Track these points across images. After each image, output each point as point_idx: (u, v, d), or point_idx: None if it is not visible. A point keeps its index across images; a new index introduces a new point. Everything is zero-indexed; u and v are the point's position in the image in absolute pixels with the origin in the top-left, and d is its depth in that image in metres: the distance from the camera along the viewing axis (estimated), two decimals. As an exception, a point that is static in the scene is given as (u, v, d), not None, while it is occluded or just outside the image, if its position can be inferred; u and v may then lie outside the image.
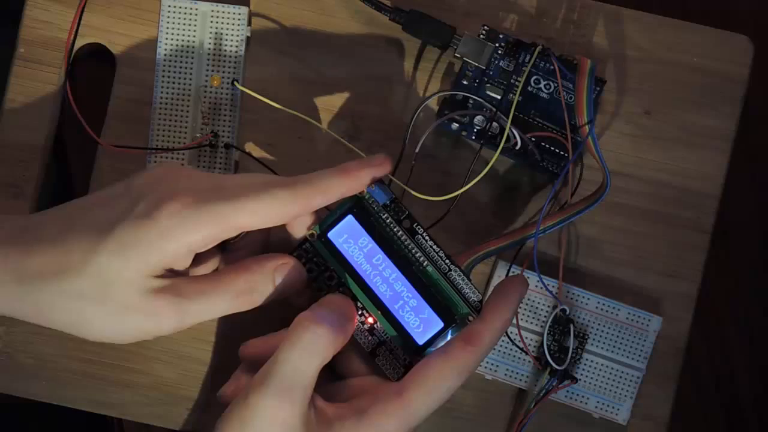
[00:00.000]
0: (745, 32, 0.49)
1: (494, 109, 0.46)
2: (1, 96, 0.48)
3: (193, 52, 0.47)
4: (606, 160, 0.48)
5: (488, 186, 0.48)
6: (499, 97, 0.47)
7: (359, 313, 0.41)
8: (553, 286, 0.46)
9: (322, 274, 0.41)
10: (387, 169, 0.41)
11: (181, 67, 0.47)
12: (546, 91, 0.47)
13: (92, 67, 0.49)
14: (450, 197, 0.44)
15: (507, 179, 0.48)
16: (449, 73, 0.48)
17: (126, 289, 0.37)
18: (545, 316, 0.46)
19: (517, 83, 0.47)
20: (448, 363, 0.38)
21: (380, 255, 0.41)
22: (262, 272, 0.40)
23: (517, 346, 0.46)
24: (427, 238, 0.41)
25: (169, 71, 0.47)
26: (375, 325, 0.41)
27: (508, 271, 0.46)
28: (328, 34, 0.48)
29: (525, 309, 0.47)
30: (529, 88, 0.47)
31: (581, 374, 0.46)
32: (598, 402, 0.46)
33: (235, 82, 0.47)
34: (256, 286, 0.40)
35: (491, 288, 0.46)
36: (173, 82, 0.47)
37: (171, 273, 0.39)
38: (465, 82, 0.47)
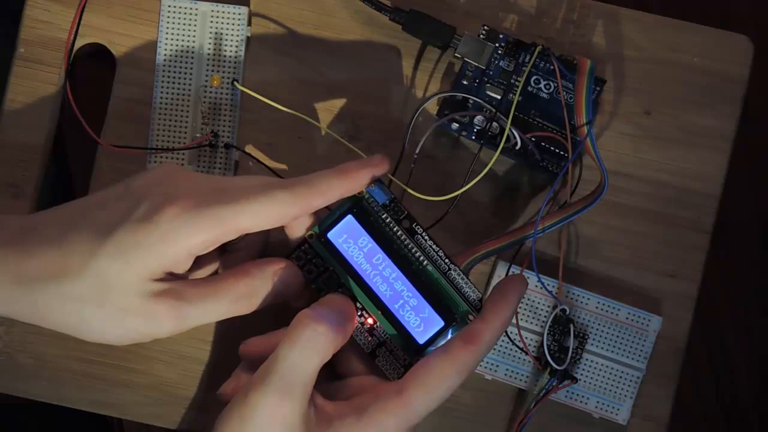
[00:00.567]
0: (745, 32, 0.49)
1: (494, 110, 0.46)
2: (1, 96, 0.48)
3: (193, 52, 0.47)
4: (606, 159, 0.48)
5: (488, 186, 0.48)
6: (499, 97, 0.47)
7: (359, 313, 0.41)
8: (552, 286, 0.46)
9: (321, 275, 0.41)
10: (385, 168, 0.41)
11: (181, 67, 0.47)
12: (546, 91, 0.47)
13: (92, 67, 0.49)
14: (450, 197, 0.44)
15: (507, 179, 0.48)
16: (449, 73, 0.48)
17: (125, 292, 0.37)
18: (545, 316, 0.46)
19: (517, 83, 0.47)
20: (449, 362, 0.38)
21: (380, 254, 0.41)
22: (262, 276, 0.40)
23: (517, 346, 0.46)
24: (426, 237, 0.41)
25: (169, 71, 0.47)
26: (375, 326, 0.41)
27: (508, 270, 0.46)
28: (328, 34, 0.48)
29: (525, 309, 0.47)
30: (529, 88, 0.47)
31: (581, 374, 0.46)
32: (598, 402, 0.46)
33: (235, 82, 0.47)
34: (255, 290, 0.40)
35: (491, 287, 0.46)
36: (173, 82, 0.47)
37: (171, 276, 0.39)
38: (465, 82, 0.47)
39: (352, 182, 0.40)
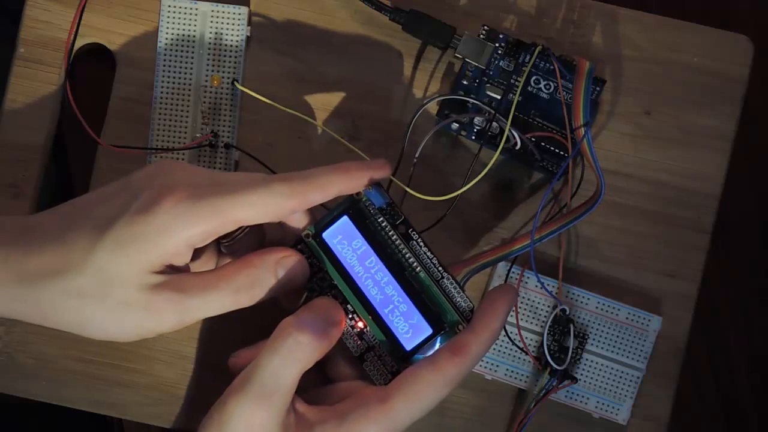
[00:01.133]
0: (745, 32, 0.49)
1: (493, 111, 0.46)
2: (1, 96, 0.48)
3: (193, 52, 0.47)
4: (606, 159, 0.48)
5: (488, 186, 0.48)
6: (499, 97, 0.47)
7: (350, 317, 0.41)
8: (553, 286, 0.46)
9: (314, 275, 0.41)
10: (386, 172, 0.41)
11: (181, 67, 0.47)
12: (546, 91, 0.47)
13: (92, 67, 0.49)
14: (450, 197, 0.44)
15: (507, 179, 0.48)
16: (449, 73, 0.48)
17: (125, 285, 0.37)
18: (545, 316, 0.46)
19: (517, 83, 0.47)
20: (435, 373, 0.38)
21: (373, 258, 0.41)
22: (264, 266, 0.39)
23: (517, 346, 0.46)
24: (421, 244, 0.41)
25: (169, 71, 0.47)
26: (365, 330, 0.41)
27: (509, 271, 0.46)
28: (328, 34, 0.48)
29: (525, 309, 0.47)
30: (529, 88, 0.47)
31: (581, 374, 0.46)
32: (598, 402, 0.46)
33: (235, 82, 0.47)
34: (257, 280, 0.39)
35: (491, 288, 0.46)
36: (173, 82, 0.47)
37: (171, 269, 0.39)
38: (465, 82, 0.47)
39: (352, 180, 0.40)
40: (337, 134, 0.47)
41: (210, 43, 0.47)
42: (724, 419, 0.57)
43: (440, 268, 0.41)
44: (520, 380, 0.46)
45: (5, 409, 0.65)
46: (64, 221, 0.39)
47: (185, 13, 0.47)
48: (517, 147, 0.46)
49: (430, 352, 0.40)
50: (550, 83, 0.47)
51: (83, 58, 0.49)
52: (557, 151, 0.47)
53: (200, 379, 0.47)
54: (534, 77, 0.47)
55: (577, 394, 0.46)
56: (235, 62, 0.47)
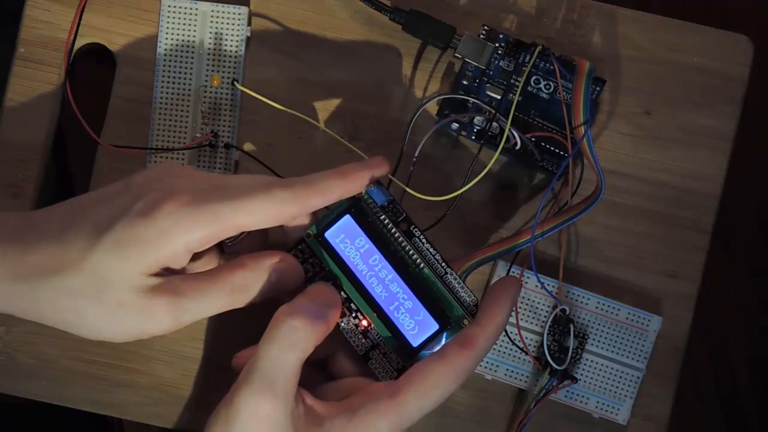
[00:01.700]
0: (745, 32, 0.49)
1: (493, 110, 0.46)
2: (1, 96, 0.48)
3: (193, 52, 0.47)
4: (605, 159, 0.48)
5: (488, 186, 0.48)
6: (499, 97, 0.47)
7: (353, 315, 0.41)
8: (553, 286, 0.46)
9: (317, 274, 0.41)
10: (385, 169, 0.41)
11: (181, 67, 0.47)
12: (546, 91, 0.47)
13: (92, 67, 0.49)
14: (450, 197, 0.44)
15: (507, 179, 0.48)
16: (449, 73, 0.48)
17: (122, 287, 0.37)
18: (545, 316, 0.46)
19: (517, 83, 0.47)
20: (445, 366, 0.38)
21: (377, 256, 0.41)
22: (258, 268, 0.40)
23: (517, 346, 0.46)
24: (424, 240, 0.41)
25: (169, 71, 0.47)
26: (369, 328, 0.41)
27: (508, 271, 0.46)
28: (328, 34, 0.48)
29: (525, 309, 0.47)
30: (529, 88, 0.47)
31: (581, 374, 0.46)
32: (598, 402, 0.46)
33: (235, 82, 0.47)
34: (251, 282, 0.39)
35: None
36: (173, 82, 0.47)
37: (168, 271, 0.39)
38: (465, 82, 0.47)
39: (352, 183, 0.40)
40: (337, 134, 0.47)
41: (210, 43, 0.47)
42: (724, 419, 0.57)
43: (443, 264, 0.41)
44: (520, 380, 0.46)
45: (5, 409, 0.65)
46: (63, 220, 0.39)
47: (185, 13, 0.47)
48: (517, 147, 0.46)
49: (437, 348, 0.40)
50: (550, 83, 0.47)
51: (83, 58, 0.49)
52: (557, 151, 0.47)
53: (201, 379, 0.47)
54: (534, 77, 0.47)
55: (577, 394, 0.46)
56: (235, 62, 0.47)
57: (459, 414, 0.47)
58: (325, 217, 0.41)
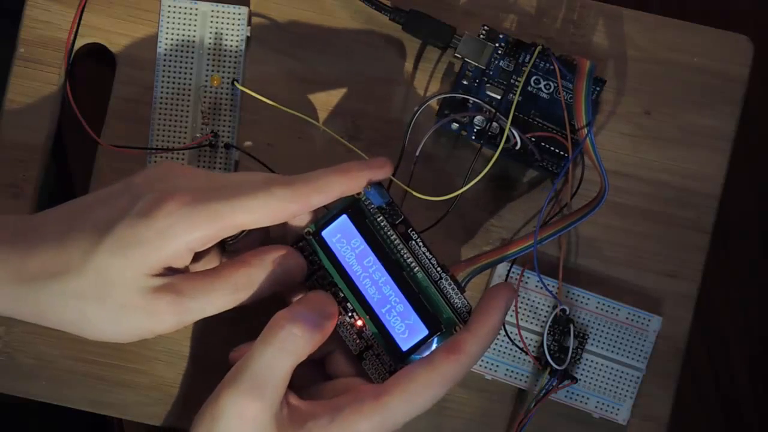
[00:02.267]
0: (745, 32, 0.49)
1: (494, 110, 0.46)
2: (1, 96, 0.48)
3: (193, 52, 0.47)
4: (606, 159, 0.48)
5: (488, 186, 0.48)
6: (499, 97, 0.47)
7: (349, 314, 0.41)
8: (553, 286, 0.46)
9: (315, 272, 0.41)
10: (387, 172, 0.41)
11: (181, 67, 0.47)
12: (546, 91, 0.47)
13: (92, 67, 0.49)
14: (450, 197, 0.44)
15: (507, 179, 0.48)
16: (449, 73, 0.48)
17: (125, 288, 0.37)
18: (545, 316, 0.46)
19: (517, 83, 0.47)
20: (431, 371, 0.38)
21: (371, 257, 0.41)
22: (261, 265, 0.39)
23: (517, 346, 0.46)
24: (420, 244, 0.41)
25: (169, 71, 0.47)
26: (363, 328, 0.41)
27: (509, 271, 0.46)
28: (328, 34, 0.48)
29: (525, 309, 0.47)
30: (529, 88, 0.47)
31: (581, 374, 0.46)
32: (598, 402, 0.46)
33: (235, 82, 0.47)
34: (255, 279, 0.39)
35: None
36: (173, 82, 0.47)
37: (170, 271, 0.39)
38: (465, 82, 0.47)
39: (352, 181, 0.40)
40: (337, 134, 0.47)
41: (210, 43, 0.47)
42: (724, 419, 0.57)
43: (439, 269, 0.41)
44: (520, 380, 0.46)
45: (5, 409, 0.65)
46: (64, 222, 0.39)
47: (185, 13, 0.47)
48: (517, 147, 0.46)
49: (427, 353, 0.40)
50: (550, 83, 0.47)
51: (83, 58, 0.49)
52: (557, 151, 0.47)
53: (201, 380, 0.47)
54: (534, 77, 0.47)
55: (577, 394, 0.46)
56: (235, 62, 0.47)
57: (459, 414, 0.47)
58: (324, 216, 0.41)
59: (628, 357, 0.46)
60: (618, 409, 0.46)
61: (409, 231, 0.41)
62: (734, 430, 0.57)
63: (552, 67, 0.46)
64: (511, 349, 0.46)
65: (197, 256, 0.40)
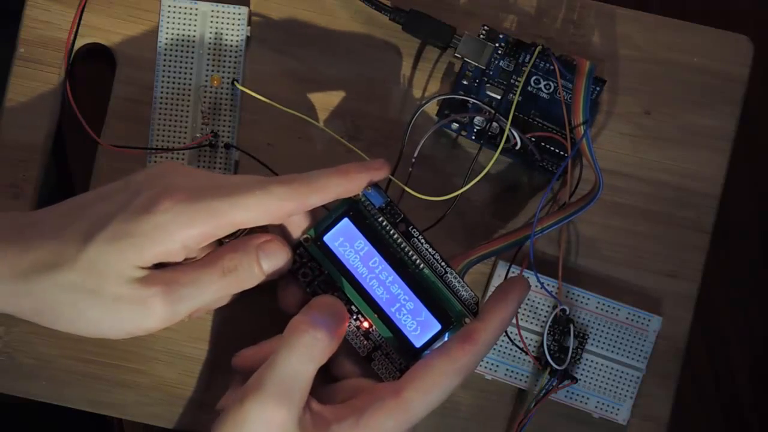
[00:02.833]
0: (745, 32, 0.49)
1: (493, 110, 0.46)
2: (1, 96, 0.48)
3: (193, 52, 0.47)
4: (605, 159, 0.48)
5: (487, 186, 0.48)
6: (499, 97, 0.47)
7: (354, 317, 0.41)
8: (552, 286, 0.46)
9: (316, 278, 0.41)
10: (385, 173, 0.41)
11: (181, 67, 0.47)
12: (546, 91, 0.47)
13: (92, 67, 0.49)
14: (449, 197, 0.44)
15: (506, 179, 0.48)
16: (449, 73, 0.48)
17: (118, 280, 0.37)
18: (545, 316, 0.46)
19: (517, 83, 0.47)
20: (447, 362, 0.38)
21: (376, 258, 0.41)
22: (246, 250, 0.40)
23: (517, 346, 0.46)
24: (422, 240, 0.41)
25: (169, 71, 0.47)
26: (370, 330, 0.41)
27: (508, 270, 0.46)
28: (327, 34, 0.48)
29: (525, 309, 0.47)
30: (529, 88, 0.47)
31: (581, 374, 0.46)
32: (598, 402, 0.46)
33: (235, 82, 0.47)
34: (240, 262, 0.39)
35: (491, 288, 0.46)
36: (173, 82, 0.47)
37: (162, 267, 0.39)
38: (465, 82, 0.47)
39: (351, 182, 0.40)
40: (337, 134, 0.47)
41: (210, 43, 0.47)
42: (724, 419, 0.57)
43: (443, 264, 0.41)
44: (520, 380, 0.46)
45: (5, 409, 0.65)
46: (61, 218, 0.39)
47: (185, 13, 0.47)
48: (517, 147, 0.46)
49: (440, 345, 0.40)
50: (550, 83, 0.47)
51: (83, 58, 0.49)
52: (557, 151, 0.47)
53: (201, 379, 0.47)
54: (534, 77, 0.47)
55: (577, 394, 0.46)
56: (235, 62, 0.47)
57: (459, 414, 0.47)
58: (323, 221, 0.41)
59: (628, 357, 0.46)
60: (618, 409, 0.46)
61: (410, 229, 0.41)
62: (734, 430, 0.57)
63: (552, 67, 0.46)
64: (511, 349, 0.46)
65: (194, 258, 0.40)
